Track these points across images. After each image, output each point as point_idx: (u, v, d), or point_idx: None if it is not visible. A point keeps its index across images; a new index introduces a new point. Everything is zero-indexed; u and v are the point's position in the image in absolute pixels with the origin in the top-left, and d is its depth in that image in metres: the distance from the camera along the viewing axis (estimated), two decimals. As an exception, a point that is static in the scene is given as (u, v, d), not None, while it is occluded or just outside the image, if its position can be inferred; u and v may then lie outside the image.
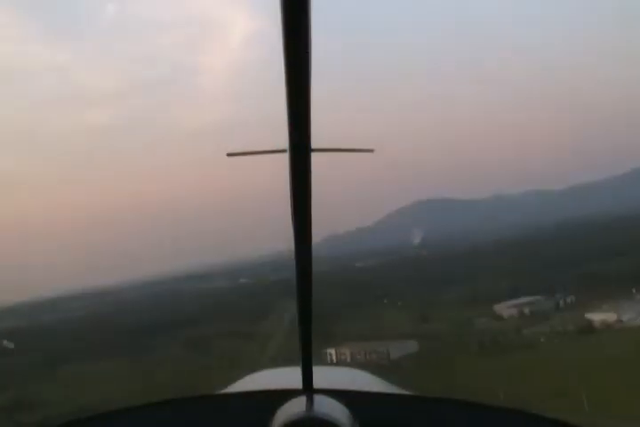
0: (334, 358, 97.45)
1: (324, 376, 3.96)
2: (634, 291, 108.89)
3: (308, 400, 3.41)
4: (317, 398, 3.43)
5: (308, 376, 3.50)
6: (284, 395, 3.42)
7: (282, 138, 1.84)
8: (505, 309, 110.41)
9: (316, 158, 1.93)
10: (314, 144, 1.89)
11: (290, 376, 3.91)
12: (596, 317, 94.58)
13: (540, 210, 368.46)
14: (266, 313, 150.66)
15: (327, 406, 3.28)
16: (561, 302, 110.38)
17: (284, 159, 1.92)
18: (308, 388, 3.52)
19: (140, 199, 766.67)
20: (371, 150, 2.33)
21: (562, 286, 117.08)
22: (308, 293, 2.75)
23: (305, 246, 2.36)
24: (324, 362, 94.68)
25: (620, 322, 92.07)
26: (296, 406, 3.29)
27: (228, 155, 2.29)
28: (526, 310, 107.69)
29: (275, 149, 2.14)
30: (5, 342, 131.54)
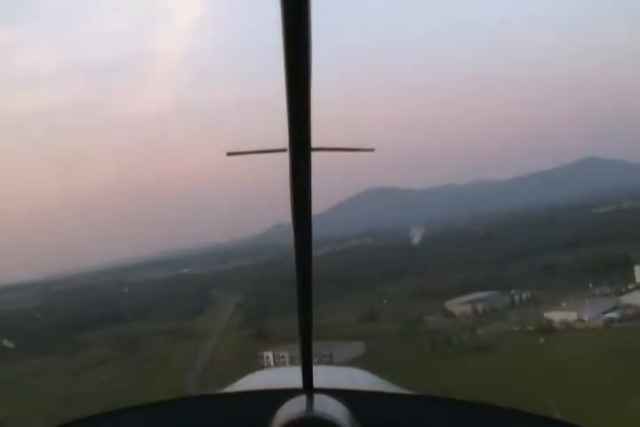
0: (272, 361, 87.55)
1: (325, 376, 3.86)
2: (590, 286, 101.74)
3: (308, 400, 3.38)
4: (317, 398, 3.39)
5: (308, 376, 3.43)
6: (285, 394, 3.40)
7: (282, 137, 1.83)
8: (457, 305, 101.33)
9: (315, 157, 1.94)
10: (313, 143, 1.88)
11: (290, 376, 3.84)
12: (556, 316, 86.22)
13: (488, 200, 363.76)
14: (203, 308, 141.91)
15: (327, 406, 3.24)
16: (516, 298, 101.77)
17: (285, 158, 1.92)
18: (308, 387, 3.46)
19: (77, 188, 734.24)
20: (371, 150, 2.33)
21: (516, 281, 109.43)
22: (308, 292, 2.73)
23: (305, 245, 2.38)
24: (261, 366, 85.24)
25: (582, 321, 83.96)
26: (296, 406, 3.26)
27: (228, 154, 2.28)
28: (479, 307, 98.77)
29: (275, 148, 2.16)
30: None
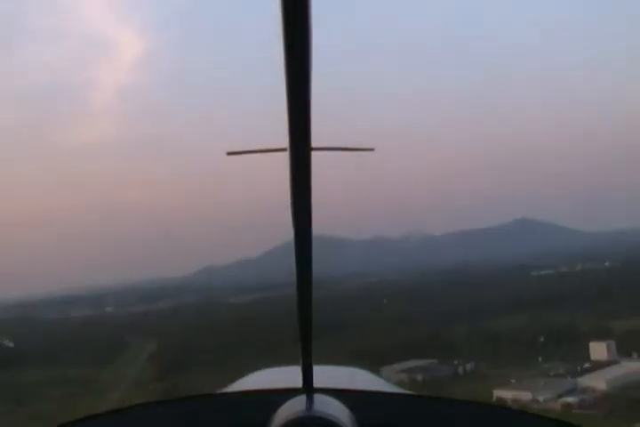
0: None
1: (325, 375, 3.84)
2: (540, 360, 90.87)
3: (308, 399, 3.32)
4: (317, 398, 3.34)
5: (308, 375, 3.37)
6: (285, 394, 3.35)
7: (282, 136, 1.77)
8: (394, 373, 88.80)
9: (316, 157, 1.88)
10: (314, 143, 1.80)
11: (290, 375, 3.80)
12: (508, 394, 74.65)
13: (422, 255, 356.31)
14: (116, 354, 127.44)
15: (327, 406, 3.20)
16: (460, 370, 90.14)
17: (285, 158, 1.84)
18: (308, 387, 3.40)
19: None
20: (371, 149, 2.33)
21: (456, 348, 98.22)
22: (308, 292, 2.66)
23: (305, 245, 2.31)
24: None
25: (537, 402, 72.47)
26: (296, 406, 3.21)
27: (228, 153, 2.28)
28: (419, 377, 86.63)
29: (275, 147, 2.15)
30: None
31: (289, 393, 3.29)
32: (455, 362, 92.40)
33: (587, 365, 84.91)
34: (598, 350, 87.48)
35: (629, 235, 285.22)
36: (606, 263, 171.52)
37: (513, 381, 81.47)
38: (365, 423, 3.17)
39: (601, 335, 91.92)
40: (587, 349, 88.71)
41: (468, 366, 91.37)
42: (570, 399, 71.85)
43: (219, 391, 4.00)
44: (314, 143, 1.75)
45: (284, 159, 1.79)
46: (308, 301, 2.71)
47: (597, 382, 76.04)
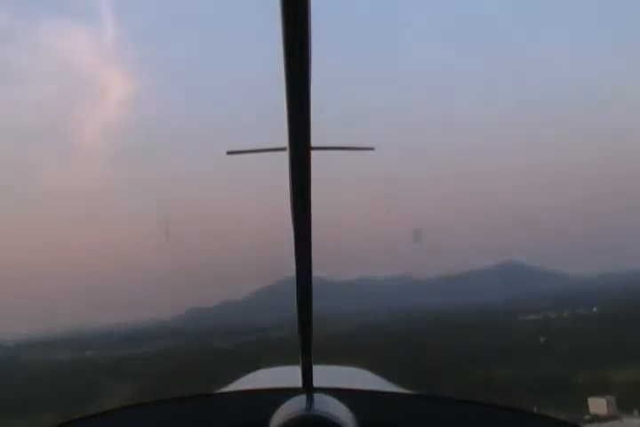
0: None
1: (324, 375, 3.79)
2: (535, 411, 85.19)
3: (307, 399, 3.29)
4: (317, 397, 3.31)
5: (307, 375, 3.31)
6: (284, 393, 3.33)
7: (282, 136, 1.75)
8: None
9: (315, 156, 1.87)
10: (313, 142, 1.78)
11: (290, 375, 3.77)
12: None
13: (409, 297, 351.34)
14: (93, 399, 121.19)
15: (327, 405, 3.17)
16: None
17: (284, 157, 1.82)
18: (307, 386, 3.35)
19: None
20: (371, 148, 2.40)
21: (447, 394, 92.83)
22: (308, 290, 2.63)
23: (305, 245, 2.29)
24: None
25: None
26: (296, 405, 3.19)
27: (228, 153, 2.35)
28: None
29: (275, 147, 2.16)
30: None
31: (289, 393, 3.22)
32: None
33: (587, 417, 79.36)
34: (597, 406, 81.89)
35: (617, 279, 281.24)
36: (594, 308, 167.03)
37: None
38: (365, 423, 3.11)
39: (597, 387, 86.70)
40: (583, 403, 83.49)
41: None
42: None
43: (218, 391, 3.85)
44: (313, 142, 1.72)
45: (284, 158, 1.76)
46: (308, 300, 2.59)
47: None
